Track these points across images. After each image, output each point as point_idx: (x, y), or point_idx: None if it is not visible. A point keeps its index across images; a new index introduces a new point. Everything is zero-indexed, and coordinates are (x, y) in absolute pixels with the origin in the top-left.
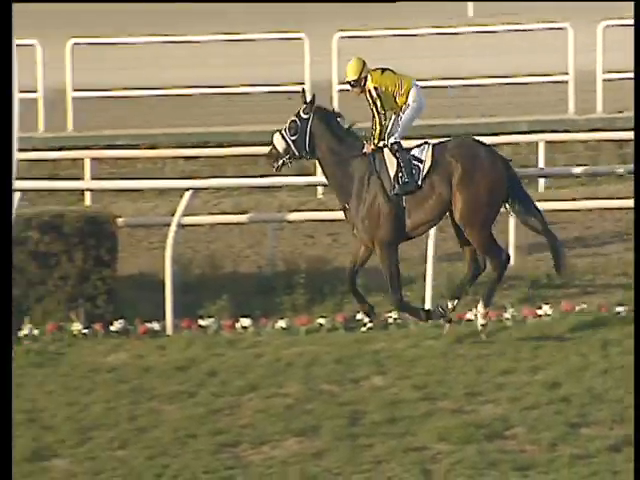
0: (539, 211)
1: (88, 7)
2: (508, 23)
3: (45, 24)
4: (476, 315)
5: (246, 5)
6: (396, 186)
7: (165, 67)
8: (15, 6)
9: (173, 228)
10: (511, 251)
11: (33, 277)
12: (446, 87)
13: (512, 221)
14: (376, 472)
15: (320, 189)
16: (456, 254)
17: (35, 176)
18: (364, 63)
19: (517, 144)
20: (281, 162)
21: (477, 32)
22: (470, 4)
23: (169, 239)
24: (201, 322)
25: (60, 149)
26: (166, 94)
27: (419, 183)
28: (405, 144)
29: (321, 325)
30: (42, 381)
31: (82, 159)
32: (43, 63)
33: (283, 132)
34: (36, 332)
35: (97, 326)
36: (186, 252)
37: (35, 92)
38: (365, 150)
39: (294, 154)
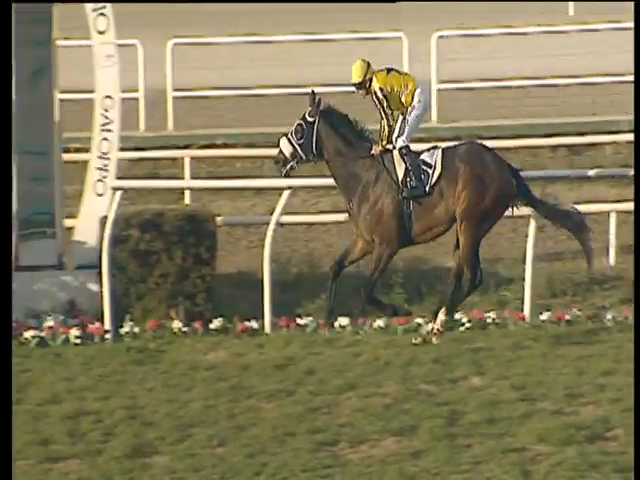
0: (560, 208)
1: (189, 7)
2: (610, 22)
3: (146, 24)
4: (434, 319)
5: (340, 5)
6: (404, 190)
7: (262, 67)
8: (115, 6)
9: (272, 227)
10: (612, 251)
11: (134, 275)
12: (555, 86)
13: (613, 220)
14: (475, 473)
15: None
16: (555, 254)
17: (135, 175)
18: (369, 65)
19: (618, 144)
20: (289, 166)
21: (580, 31)
22: (571, 3)
23: (267, 238)
24: (299, 321)
25: (160, 148)
26: (265, 93)
27: (427, 189)
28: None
29: (419, 325)
30: (142, 378)
31: (182, 158)
32: (144, 63)
33: (289, 136)
34: (136, 330)
35: (196, 324)
36: (284, 251)
37: (136, 92)
38: (373, 152)
39: (301, 158)
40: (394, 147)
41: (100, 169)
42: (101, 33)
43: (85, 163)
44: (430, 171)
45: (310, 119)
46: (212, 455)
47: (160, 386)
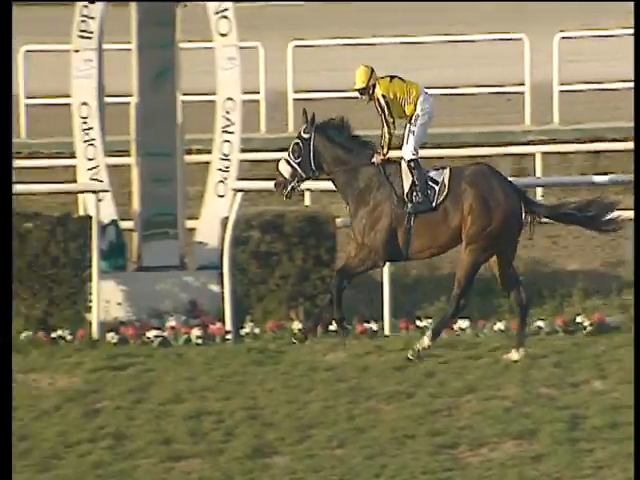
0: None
1: (310, 9)
2: None
3: (268, 26)
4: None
5: (466, 4)
6: (409, 205)
7: (384, 68)
8: (237, 9)
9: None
10: None
11: (254, 276)
12: None
13: None
14: (597, 478)
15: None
16: None
17: (256, 176)
18: (372, 70)
19: None
20: (290, 187)
21: None
22: None
23: None
24: (419, 323)
25: (281, 150)
26: None
27: (433, 205)
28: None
29: (540, 328)
30: (263, 379)
31: None
32: (265, 65)
33: (287, 157)
34: (257, 330)
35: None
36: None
37: (257, 94)
38: (374, 160)
39: (301, 177)
40: (402, 158)
41: (221, 170)
42: (223, 35)
43: (207, 165)
44: (437, 188)
45: (306, 136)
46: (331, 456)
47: (280, 387)
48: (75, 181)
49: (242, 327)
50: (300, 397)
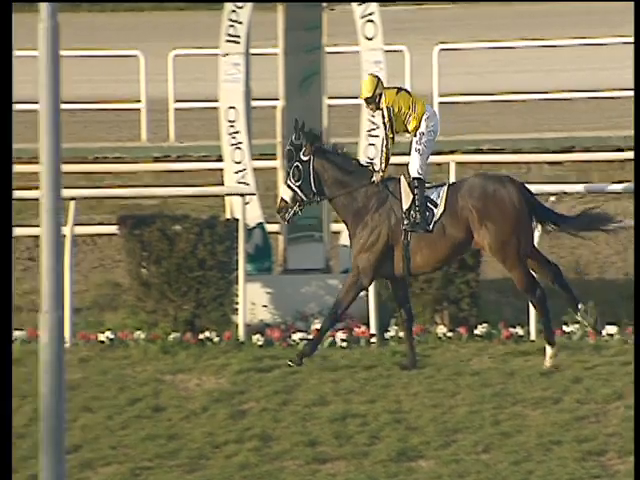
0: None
1: (455, 12)
2: None
3: (414, 29)
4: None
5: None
6: (406, 222)
7: (526, 71)
8: (383, 13)
9: (537, 233)
10: None
11: None
12: None
13: None
14: None
15: None
16: None
17: None
18: (379, 80)
19: None
20: (292, 212)
21: None
22: None
23: (535, 243)
24: (565, 328)
25: None
26: (529, 99)
27: (430, 227)
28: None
29: None
30: (407, 382)
31: (447, 163)
32: (410, 69)
33: (288, 181)
34: (402, 334)
35: (461, 329)
36: (550, 258)
37: None
38: (374, 179)
39: (302, 200)
40: (403, 174)
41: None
42: (369, 39)
43: None
44: (435, 210)
45: (305, 158)
46: (477, 461)
47: (425, 391)
48: (222, 184)
49: (387, 330)
50: (445, 401)
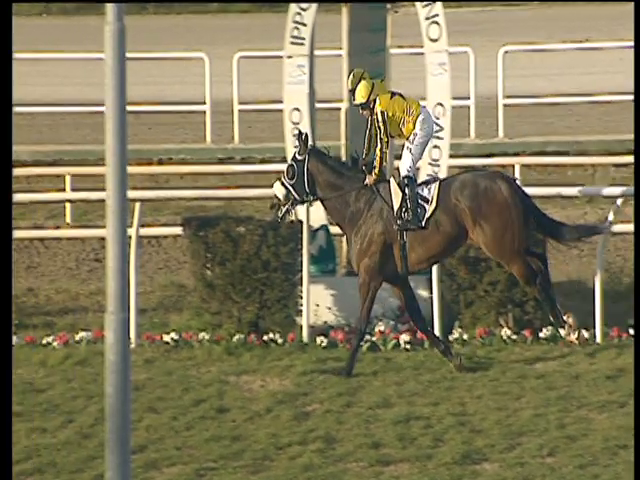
0: (560, 223)
1: (522, 14)
2: None
3: (478, 31)
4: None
5: None
6: (398, 222)
7: (592, 73)
8: (448, 14)
9: (603, 236)
10: None
11: (463, 282)
12: None
13: None
14: None
15: None
16: None
17: None
18: (373, 85)
19: None
20: (284, 210)
21: None
22: None
23: (599, 247)
24: (632, 331)
25: (490, 155)
26: (596, 100)
27: (422, 224)
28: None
29: None
30: (471, 385)
31: (512, 165)
32: (475, 71)
33: (282, 178)
34: (465, 336)
35: (526, 332)
36: (616, 260)
37: (467, 99)
38: (367, 182)
39: (295, 199)
40: (392, 175)
41: (431, 176)
42: (434, 41)
43: (416, 170)
44: (426, 206)
45: (300, 157)
46: (542, 464)
47: (489, 393)
48: None
49: (451, 333)
50: (510, 404)
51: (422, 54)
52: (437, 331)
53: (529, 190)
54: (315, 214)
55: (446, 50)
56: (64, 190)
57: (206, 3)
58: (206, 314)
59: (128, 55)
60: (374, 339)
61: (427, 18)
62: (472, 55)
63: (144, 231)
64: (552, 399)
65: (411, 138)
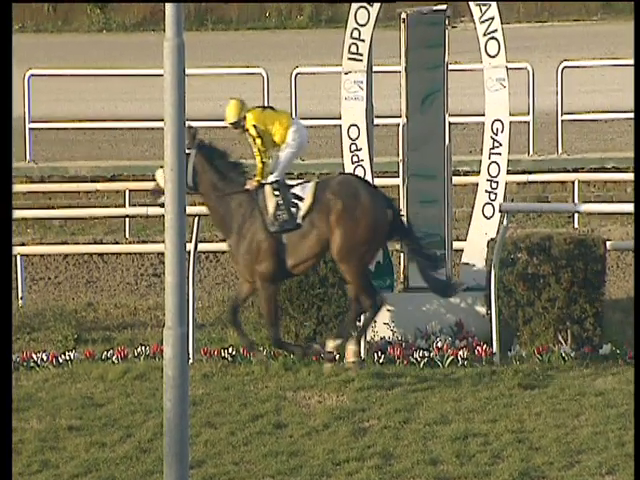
0: (427, 253)
1: (578, 29)
2: None
3: (536, 47)
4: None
5: None
6: (274, 224)
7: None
8: (506, 30)
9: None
10: None
11: (521, 298)
12: None
13: None
14: None
15: None
16: None
17: (524, 198)
18: (242, 103)
19: None
20: (163, 197)
21: None
22: None
23: None
24: None
25: (549, 172)
26: None
27: (298, 222)
28: None
29: None
30: (530, 402)
31: (571, 181)
32: (534, 87)
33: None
34: (524, 353)
35: (585, 349)
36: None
37: (526, 115)
38: (247, 187)
39: None
40: (265, 182)
41: (488, 192)
42: (492, 57)
43: (474, 186)
44: (301, 204)
45: (187, 151)
46: None
47: (547, 411)
48: None
49: (509, 349)
50: (568, 422)
51: (480, 70)
52: (495, 348)
53: (588, 206)
54: None
55: (505, 66)
56: (123, 205)
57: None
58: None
59: (187, 71)
60: (432, 355)
61: (485, 34)
62: (531, 71)
63: (202, 246)
64: (611, 416)
65: (283, 147)
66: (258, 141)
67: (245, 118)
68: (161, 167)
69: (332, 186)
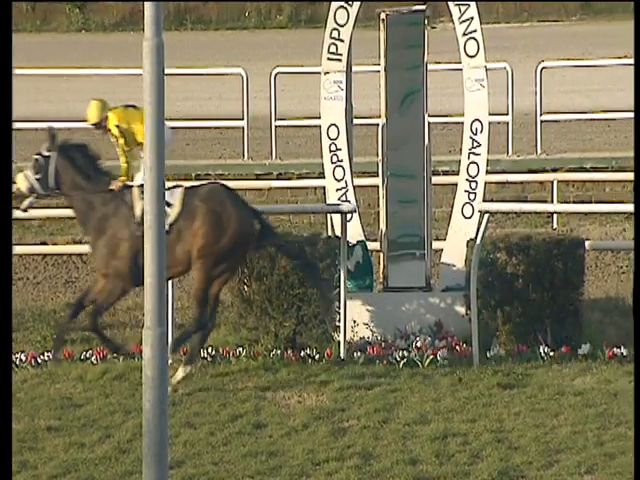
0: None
1: (556, 30)
2: None
3: (515, 47)
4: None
5: None
6: (140, 229)
7: (630, 89)
8: (485, 30)
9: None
10: None
11: (500, 298)
12: None
13: None
14: None
15: None
16: None
17: (503, 198)
18: (104, 104)
19: None
20: (27, 202)
21: None
22: None
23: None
24: None
25: (528, 172)
26: (623, 117)
27: (166, 229)
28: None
29: None
30: (509, 402)
31: (550, 182)
32: (513, 87)
33: (26, 172)
34: (503, 353)
35: (564, 349)
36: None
37: (505, 115)
38: (112, 187)
39: (40, 193)
40: (134, 184)
41: (468, 192)
42: (471, 57)
43: (453, 186)
44: (169, 210)
45: (47, 153)
46: None
47: (527, 410)
48: (323, 201)
49: (488, 349)
50: (547, 421)
51: (460, 70)
52: (474, 348)
53: (567, 206)
54: (352, 230)
55: (484, 66)
56: None
57: (244, 20)
58: (243, 330)
59: (166, 71)
60: (411, 355)
61: (464, 34)
62: (510, 71)
63: None
64: (590, 416)
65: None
66: (121, 141)
67: (107, 118)
68: (21, 171)
69: (200, 194)
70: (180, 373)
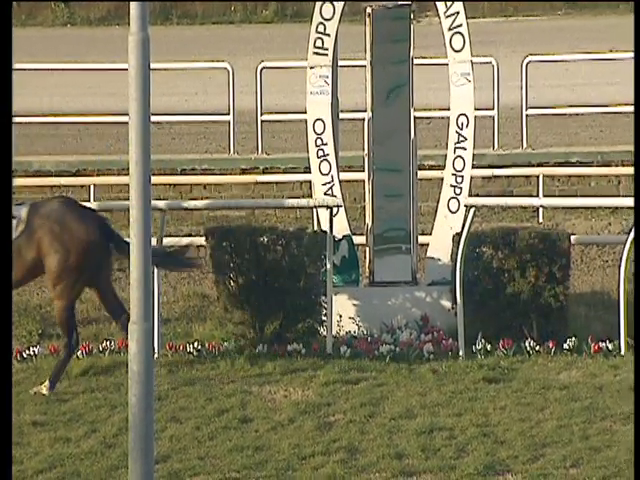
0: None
1: (544, 25)
2: None
3: (501, 42)
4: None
5: None
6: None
7: (617, 84)
8: (471, 24)
9: (627, 246)
10: None
11: (486, 293)
12: None
13: None
14: None
15: None
16: None
17: (489, 192)
18: None
19: None
20: None
21: None
22: None
23: (624, 257)
24: None
25: (514, 166)
26: (620, 111)
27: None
28: None
29: None
30: (495, 396)
31: (535, 176)
32: (498, 82)
33: None
34: (489, 347)
35: (550, 343)
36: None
37: (491, 110)
38: None
39: None
40: None
41: (453, 186)
42: (457, 51)
43: (439, 180)
44: (14, 224)
45: None
46: (565, 475)
47: (512, 404)
48: (309, 196)
49: (474, 343)
50: (533, 415)
51: (445, 64)
52: (460, 342)
53: (553, 201)
54: (338, 224)
55: (469, 60)
56: (88, 200)
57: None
58: (229, 324)
59: (152, 65)
60: (397, 349)
61: (450, 28)
62: (496, 65)
63: (167, 241)
64: (576, 410)
65: None
66: None
67: None
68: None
69: (42, 212)
70: (43, 389)
